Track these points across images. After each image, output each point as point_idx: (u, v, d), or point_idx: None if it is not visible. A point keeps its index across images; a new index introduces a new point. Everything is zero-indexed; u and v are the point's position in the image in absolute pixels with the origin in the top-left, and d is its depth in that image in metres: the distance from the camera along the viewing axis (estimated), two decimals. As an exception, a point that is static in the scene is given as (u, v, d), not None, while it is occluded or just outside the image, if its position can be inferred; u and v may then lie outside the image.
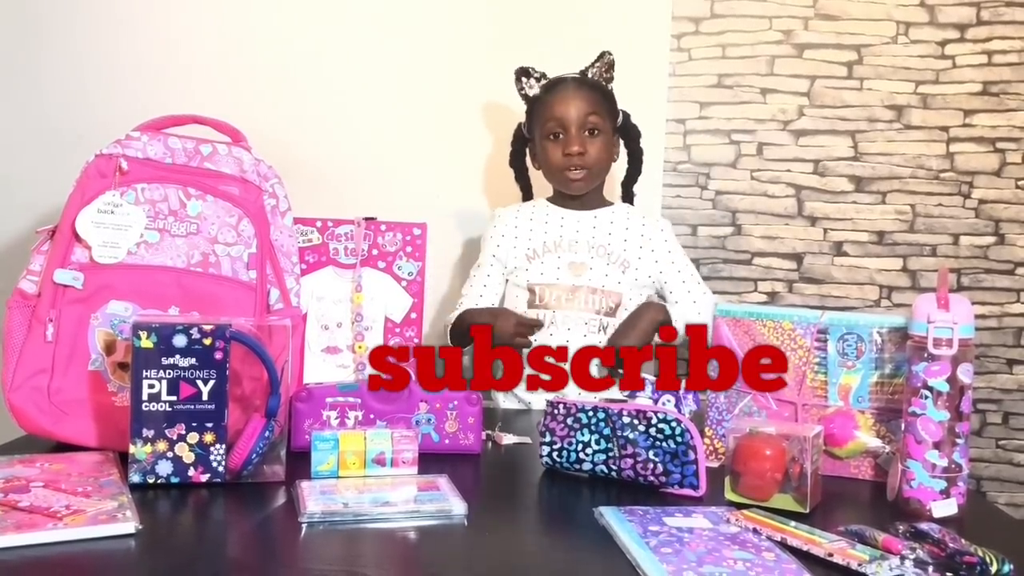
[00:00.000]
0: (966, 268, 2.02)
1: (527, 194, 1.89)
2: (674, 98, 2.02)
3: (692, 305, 1.72)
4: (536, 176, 1.87)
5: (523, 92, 1.76)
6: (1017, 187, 2.01)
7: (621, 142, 1.82)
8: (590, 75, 1.73)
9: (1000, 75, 2.00)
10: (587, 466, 1.22)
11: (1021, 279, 2.03)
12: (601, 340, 1.68)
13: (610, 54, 1.73)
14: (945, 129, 2.01)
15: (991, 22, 1.99)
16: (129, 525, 0.97)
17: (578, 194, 1.75)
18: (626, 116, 1.80)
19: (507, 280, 1.77)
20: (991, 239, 2.02)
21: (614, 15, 1.98)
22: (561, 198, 1.79)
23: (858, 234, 2.04)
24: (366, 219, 1.52)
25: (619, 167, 1.87)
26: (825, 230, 2.04)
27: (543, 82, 1.74)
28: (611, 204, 1.80)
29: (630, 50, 1.85)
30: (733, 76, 2.02)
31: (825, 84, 2.01)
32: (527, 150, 1.84)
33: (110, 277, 1.30)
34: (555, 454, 1.24)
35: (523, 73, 1.75)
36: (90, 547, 0.94)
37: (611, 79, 1.75)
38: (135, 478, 1.12)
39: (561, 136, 1.70)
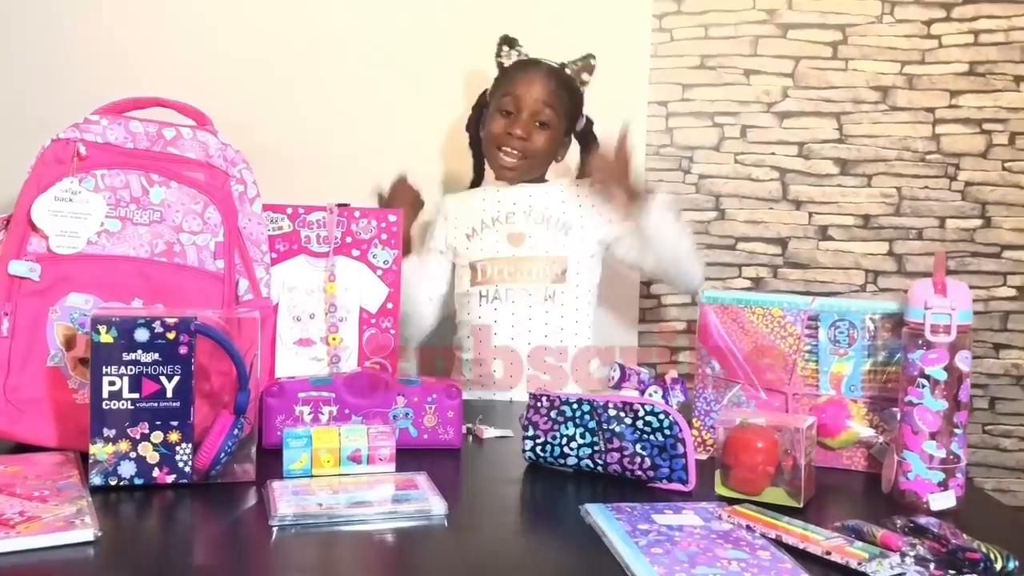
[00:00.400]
0: (953, 251, 2.00)
1: (478, 161, 1.85)
2: (656, 80, 1.97)
3: None
4: None
5: (500, 60, 1.73)
6: (1003, 169, 1.99)
7: (576, 146, 1.80)
8: (568, 71, 1.72)
9: (986, 55, 1.97)
10: (572, 460, 1.17)
11: (1008, 262, 2.01)
12: (547, 310, 1.65)
13: (593, 58, 1.72)
14: (931, 110, 1.98)
15: (977, 1, 1.96)
16: (88, 532, 0.92)
17: (507, 181, 1.73)
18: (589, 123, 1.79)
19: (453, 264, 1.75)
20: (977, 222, 2.00)
21: (595, -6, 1.93)
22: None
23: (843, 218, 2.01)
24: (339, 205, 1.47)
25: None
26: (810, 214, 2.01)
27: (521, 57, 1.72)
28: (545, 180, 1.78)
29: (611, 30, 1.81)
30: (716, 57, 1.97)
31: (809, 65, 1.98)
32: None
33: (69, 268, 1.23)
34: (538, 448, 1.19)
35: (507, 42, 1.73)
36: (45, 556, 0.89)
37: (586, 83, 1.74)
38: (96, 480, 1.06)
39: (511, 115, 1.68)
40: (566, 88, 1.71)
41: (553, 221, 1.69)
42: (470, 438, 1.34)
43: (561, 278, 1.67)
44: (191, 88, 1.49)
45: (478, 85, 1.82)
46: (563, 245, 1.68)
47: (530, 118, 1.68)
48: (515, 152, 1.70)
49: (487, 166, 1.80)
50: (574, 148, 1.82)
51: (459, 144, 1.88)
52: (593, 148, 1.80)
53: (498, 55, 1.74)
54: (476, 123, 1.82)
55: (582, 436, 1.16)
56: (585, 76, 1.73)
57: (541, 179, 1.78)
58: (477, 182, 1.85)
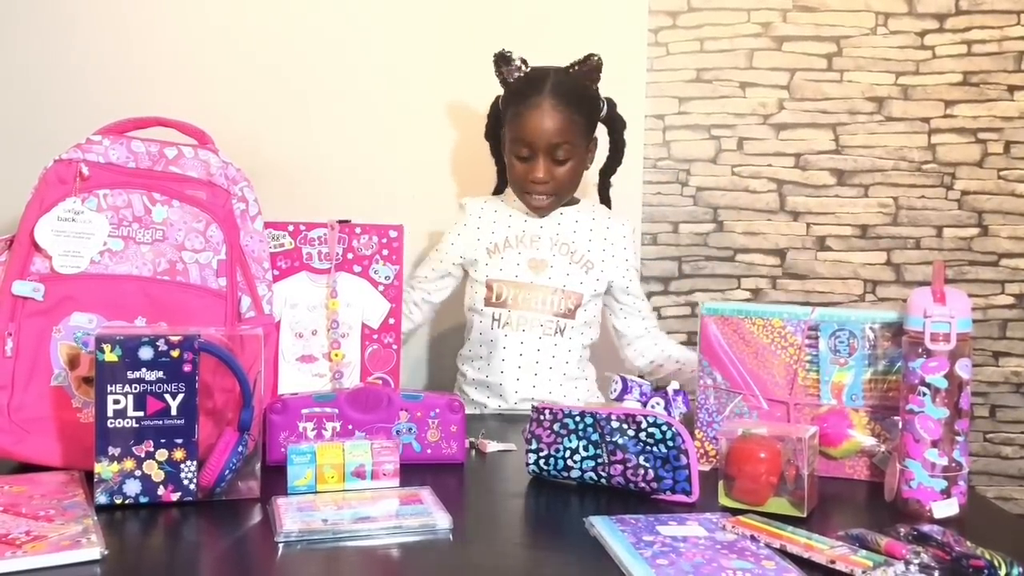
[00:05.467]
0: (950, 260, 2.00)
1: (502, 168, 1.78)
2: (652, 93, 1.98)
3: (647, 334, 1.72)
4: None
5: (502, 78, 1.69)
6: (999, 178, 2.00)
7: (604, 134, 1.75)
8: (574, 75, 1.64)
9: (980, 65, 1.98)
10: (575, 473, 1.17)
11: (1005, 270, 2.01)
12: (557, 343, 1.64)
13: (596, 57, 1.62)
14: (926, 120, 1.99)
15: (970, 11, 1.97)
16: (94, 551, 0.92)
17: (541, 214, 1.69)
18: (611, 106, 1.72)
19: (466, 273, 1.71)
20: (974, 231, 2.00)
21: (590, 9, 1.94)
22: None
23: (841, 228, 2.01)
24: (340, 222, 1.47)
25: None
26: (808, 224, 2.01)
27: (525, 70, 1.66)
28: (578, 202, 1.75)
29: (607, 45, 1.80)
30: (712, 70, 1.98)
31: (805, 77, 1.99)
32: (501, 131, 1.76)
33: (72, 288, 1.24)
34: (542, 461, 1.19)
35: (502, 60, 1.66)
36: (52, 576, 0.89)
37: (596, 81, 1.66)
38: (101, 499, 1.06)
39: (527, 158, 1.64)
40: (575, 104, 1.63)
41: (577, 256, 1.67)
42: (473, 452, 1.34)
43: (572, 314, 1.65)
44: (192, 107, 1.51)
45: (482, 100, 1.82)
46: (581, 282, 1.66)
47: (546, 156, 1.62)
48: (542, 192, 1.65)
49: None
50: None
51: (466, 158, 1.88)
52: (620, 128, 1.75)
53: (498, 72, 1.69)
54: (494, 130, 1.77)
55: (585, 449, 1.17)
56: (593, 76, 1.64)
57: (572, 198, 1.73)
58: (500, 188, 1.81)
